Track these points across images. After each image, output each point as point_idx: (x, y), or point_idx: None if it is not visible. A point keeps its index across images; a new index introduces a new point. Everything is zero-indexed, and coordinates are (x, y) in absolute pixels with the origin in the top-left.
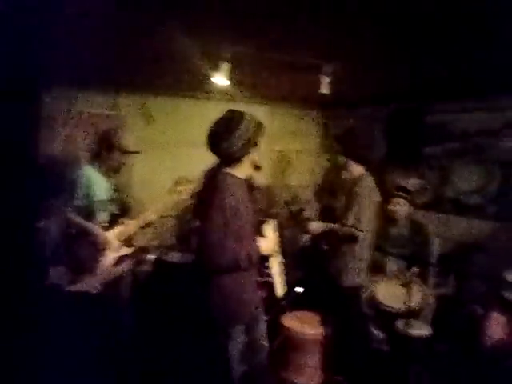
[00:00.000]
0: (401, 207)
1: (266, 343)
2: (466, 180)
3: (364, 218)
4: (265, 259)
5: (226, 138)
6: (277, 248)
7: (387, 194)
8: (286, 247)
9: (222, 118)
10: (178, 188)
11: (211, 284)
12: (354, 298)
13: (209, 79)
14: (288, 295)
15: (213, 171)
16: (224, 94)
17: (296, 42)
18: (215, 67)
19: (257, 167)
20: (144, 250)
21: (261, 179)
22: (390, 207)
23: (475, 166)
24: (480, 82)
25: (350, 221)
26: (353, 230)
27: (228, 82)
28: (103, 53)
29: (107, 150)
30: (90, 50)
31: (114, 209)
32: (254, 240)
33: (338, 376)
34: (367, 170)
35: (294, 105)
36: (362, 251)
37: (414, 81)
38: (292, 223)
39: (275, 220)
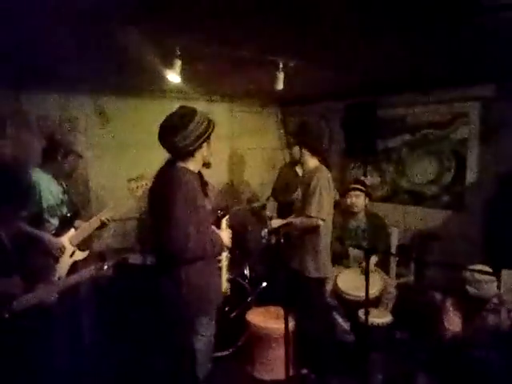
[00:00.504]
0: (358, 200)
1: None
2: (421, 171)
3: (325, 207)
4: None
5: (179, 133)
6: (229, 244)
7: (345, 188)
8: (250, 244)
9: (174, 114)
10: (132, 185)
11: (176, 277)
12: (318, 289)
13: (163, 77)
14: (253, 291)
15: (165, 167)
16: (180, 92)
17: (250, 38)
18: (168, 64)
19: (206, 164)
20: (100, 254)
21: (221, 177)
22: (348, 200)
23: (429, 157)
24: (430, 75)
25: (312, 211)
26: (314, 220)
27: (179, 79)
28: (51, 50)
29: (62, 155)
30: (38, 46)
31: (65, 212)
32: (214, 231)
33: (303, 369)
34: (321, 162)
35: (252, 102)
36: (324, 243)
37: (367, 75)
38: (255, 220)
39: (227, 216)
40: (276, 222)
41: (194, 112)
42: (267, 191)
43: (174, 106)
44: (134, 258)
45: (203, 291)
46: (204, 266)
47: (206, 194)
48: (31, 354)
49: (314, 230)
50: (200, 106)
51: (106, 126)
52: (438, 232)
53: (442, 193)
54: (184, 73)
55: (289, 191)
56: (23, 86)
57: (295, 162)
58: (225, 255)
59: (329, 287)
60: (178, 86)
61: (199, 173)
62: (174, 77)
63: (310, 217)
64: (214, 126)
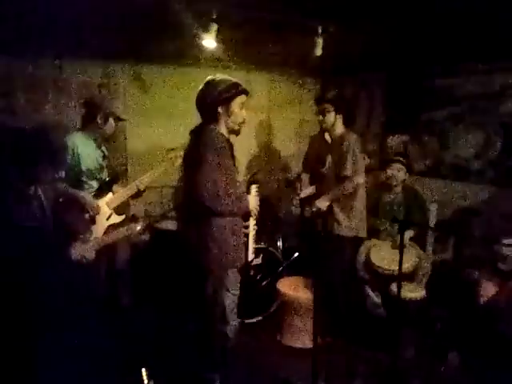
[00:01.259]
0: (398, 173)
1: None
2: (466, 145)
3: (360, 167)
4: (245, 219)
5: (205, 91)
6: (256, 211)
7: (385, 159)
8: (283, 214)
9: (206, 82)
10: (170, 155)
11: (203, 230)
12: (351, 253)
13: (199, 44)
14: (285, 261)
15: (197, 128)
16: (217, 60)
17: (288, 1)
18: (204, 29)
19: (235, 131)
20: (135, 218)
21: (255, 146)
22: (389, 172)
23: (475, 130)
24: (478, 45)
25: (348, 170)
26: (354, 180)
27: (215, 44)
28: (90, 19)
29: (102, 118)
30: (78, 17)
31: (104, 176)
32: (242, 193)
33: (331, 338)
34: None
35: (292, 72)
36: (360, 203)
37: (413, 44)
38: (288, 191)
39: (257, 185)
40: (322, 202)
41: (221, 76)
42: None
43: (211, 73)
44: (171, 225)
45: (229, 246)
46: (230, 224)
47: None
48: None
49: (355, 191)
50: (238, 75)
51: (143, 93)
52: (480, 208)
53: (487, 168)
54: (220, 39)
55: (320, 161)
56: (63, 53)
57: (325, 129)
58: (252, 224)
59: (361, 259)
60: (215, 53)
61: (228, 141)
62: (209, 42)
63: (346, 177)
64: (242, 91)
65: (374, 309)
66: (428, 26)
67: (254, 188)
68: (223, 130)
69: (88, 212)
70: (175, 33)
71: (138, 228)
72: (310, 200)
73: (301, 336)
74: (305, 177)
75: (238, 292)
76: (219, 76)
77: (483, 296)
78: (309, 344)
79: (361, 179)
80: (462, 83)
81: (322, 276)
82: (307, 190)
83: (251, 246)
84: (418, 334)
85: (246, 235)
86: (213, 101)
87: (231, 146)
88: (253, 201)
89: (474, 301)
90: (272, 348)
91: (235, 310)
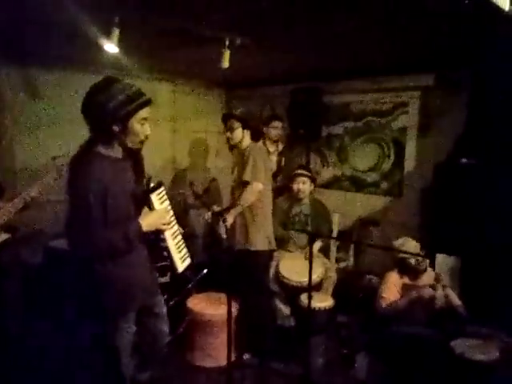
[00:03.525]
0: (303, 186)
1: (166, 328)
2: (362, 158)
3: (260, 174)
4: (159, 233)
5: (97, 100)
6: (167, 219)
7: (291, 174)
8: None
9: (96, 84)
10: (59, 163)
11: (96, 272)
12: (262, 266)
13: (101, 48)
14: (193, 277)
15: (79, 152)
16: (119, 68)
17: (197, 11)
18: (105, 33)
19: (135, 146)
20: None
21: (164, 159)
22: (295, 186)
23: (370, 145)
24: (374, 63)
25: (247, 176)
26: (252, 186)
27: (117, 50)
28: None
29: None
30: None
31: None
32: (134, 218)
33: (244, 354)
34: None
35: (197, 84)
36: (267, 213)
37: (314, 61)
38: (198, 203)
39: (163, 188)
40: (230, 217)
41: (115, 81)
42: (211, 175)
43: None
44: (60, 243)
45: (122, 287)
46: (124, 260)
47: (137, 177)
48: None
49: (258, 197)
50: (141, 83)
51: (34, 101)
52: (377, 218)
53: (381, 180)
54: (123, 46)
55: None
56: None
57: (234, 145)
58: (169, 234)
59: (271, 272)
60: (116, 60)
61: (134, 153)
62: (111, 47)
63: (247, 182)
64: (146, 102)
65: (284, 320)
66: (327, 43)
67: (154, 197)
68: (116, 147)
69: None
70: (73, 36)
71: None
72: (221, 214)
73: (214, 354)
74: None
75: (133, 328)
76: (113, 79)
77: (386, 297)
78: (222, 362)
79: (260, 186)
80: (359, 100)
81: (235, 291)
82: (232, 214)
83: (176, 257)
84: (327, 342)
85: (167, 249)
86: (105, 118)
87: (138, 164)
88: (154, 214)
89: (374, 305)
90: (183, 369)
91: (129, 349)
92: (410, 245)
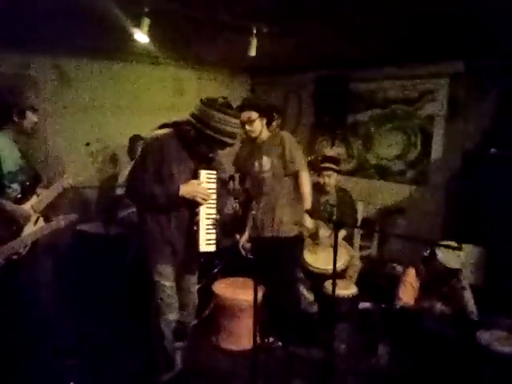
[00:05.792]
0: (329, 179)
1: (194, 296)
2: (388, 146)
3: (298, 157)
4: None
5: None
6: (202, 195)
7: (316, 166)
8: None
9: None
10: (91, 149)
11: (141, 226)
12: (290, 251)
13: (130, 37)
14: (220, 262)
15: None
16: (148, 56)
17: (226, 2)
18: (135, 23)
19: None
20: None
21: None
22: (321, 180)
23: (397, 132)
24: (401, 50)
25: (299, 164)
26: (304, 173)
27: (147, 39)
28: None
29: (18, 113)
30: None
31: (25, 178)
32: (178, 183)
33: (269, 337)
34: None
35: (222, 71)
36: (297, 204)
37: (341, 48)
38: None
39: (213, 171)
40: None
41: None
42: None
43: (140, 70)
44: (94, 227)
45: (158, 239)
46: (163, 217)
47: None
48: None
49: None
50: (168, 71)
51: (66, 89)
52: (402, 206)
53: (407, 168)
54: (151, 35)
55: (250, 163)
56: None
57: (253, 138)
58: (203, 212)
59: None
60: (144, 48)
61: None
62: (141, 36)
63: (298, 171)
64: None
65: (307, 307)
66: (354, 31)
67: (203, 174)
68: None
69: (17, 221)
70: (103, 26)
71: (63, 223)
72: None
73: (239, 338)
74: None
75: (170, 284)
76: None
77: (401, 298)
78: (247, 346)
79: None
80: (384, 88)
81: (262, 277)
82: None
83: (202, 236)
84: (350, 329)
85: (197, 224)
86: None
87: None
88: (197, 186)
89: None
90: (209, 352)
91: (172, 304)
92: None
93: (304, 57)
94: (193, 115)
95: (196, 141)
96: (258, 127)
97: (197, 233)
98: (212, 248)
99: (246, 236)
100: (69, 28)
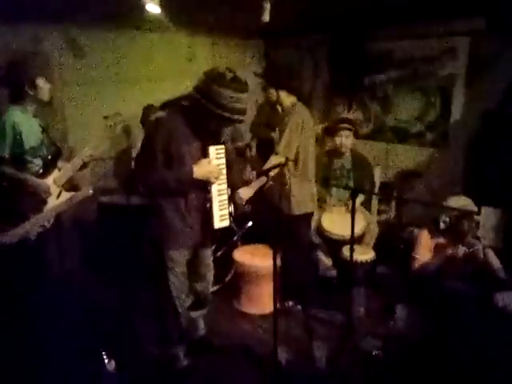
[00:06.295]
0: (346, 140)
1: (211, 276)
2: (407, 108)
3: (293, 147)
4: (207, 185)
5: None
6: (215, 174)
7: (332, 127)
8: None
9: None
10: (109, 123)
11: (155, 211)
12: (301, 225)
13: (141, 7)
14: (239, 230)
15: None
16: (158, 25)
17: None
18: None
19: None
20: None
21: None
22: (337, 140)
23: (415, 93)
24: (418, 8)
25: (280, 148)
26: (275, 156)
27: (159, 10)
28: None
29: (29, 84)
30: None
31: (46, 152)
32: (189, 164)
33: (288, 301)
34: (299, 99)
35: (235, 34)
36: (303, 181)
37: (354, 6)
38: (239, 159)
39: (222, 146)
40: (244, 192)
41: None
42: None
43: (152, 38)
44: (115, 199)
45: (172, 225)
46: (176, 202)
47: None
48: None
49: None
50: (180, 38)
51: (80, 60)
52: (421, 170)
53: (426, 130)
54: (161, 2)
55: (269, 127)
56: None
57: (273, 103)
58: (215, 189)
59: (312, 225)
60: (156, 17)
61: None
62: (152, 7)
63: (276, 153)
64: None
65: (326, 272)
66: None
67: (212, 150)
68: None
69: (40, 195)
70: None
71: (91, 191)
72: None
73: (260, 303)
74: (253, 144)
75: (181, 270)
76: None
77: (417, 258)
78: (268, 310)
79: (281, 159)
80: (402, 47)
81: (279, 246)
82: (248, 191)
83: (216, 212)
84: (368, 293)
85: (210, 201)
86: None
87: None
88: (208, 165)
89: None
90: (231, 316)
91: (183, 287)
92: (463, 203)
93: (317, 17)
94: (199, 90)
95: (203, 118)
96: (274, 94)
97: (210, 210)
98: (226, 223)
99: (248, 190)
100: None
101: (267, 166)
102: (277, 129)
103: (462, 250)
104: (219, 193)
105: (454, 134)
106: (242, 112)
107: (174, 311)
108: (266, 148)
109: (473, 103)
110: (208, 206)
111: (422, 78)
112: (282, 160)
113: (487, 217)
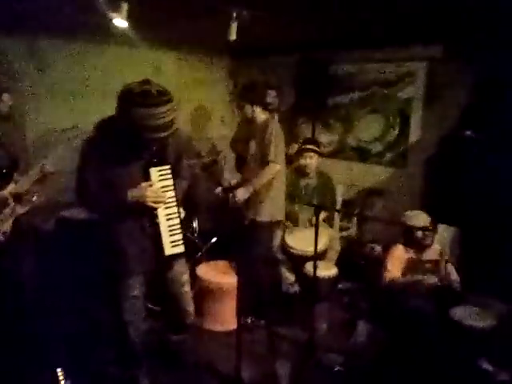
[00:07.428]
0: (310, 160)
1: (181, 284)
2: (367, 129)
3: (281, 153)
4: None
5: None
6: (158, 196)
7: (299, 148)
8: (200, 199)
9: None
10: (68, 136)
11: (104, 237)
12: (268, 233)
13: (108, 21)
14: (203, 246)
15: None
16: (126, 38)
17: None
18: (114, 8)
19: None
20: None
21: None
22: (302, 161)
23: (376, 115)
24: (379, 33)
25: (271, 156)
26: (275, 166)
27: (126, 24)
28: None
29: None
30: None
31: (2, 165)
32: (125, 188)
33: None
34: (272, 117)
35: (202, 53)
36: (280, 187)
37: (320, 30)
38: (205, 175)
39: (167, 166)
40: (241, 192)
41: None
42: (218, 145)
43: (118, 52)
44: (73, 213)
45: (119, 253)
46: (120, 227)
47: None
48: None
49: (275, 176)
50: (146, 53)
51: (41, 73)
52: (381, 188)
53: (385, 150)
54: (130, 17)
55: (246, 146)
56: None
57: (248, 119)
58: (162, 213)
59: (276, 242)
60: (123, 31)
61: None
62: (120, 21)
63: (269, 162)
64: None
65: (288, 288)
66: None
67: (154, 172)
68: None
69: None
70: (81, 8)
71: (22, 211)
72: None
73: (223, 319)
74: (232, 160)
75: (135, 293)
76: None
77: (386, 276)
78: (231, 326)
79: (278, 167)
80: (364, 70)
81: (244, 260)
82: (231, 180)
83: (166, 238)
84: (330, 309)
85: (157, 228)
86: None
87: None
88: (143, 189)
89: (379, 273)
90: (194, 334)
91: (137, 312)
92: (421, 217)
93: (283, 39)
94: (115, 110)
95: (128, 138)
96: (248, 111)
97: (159, 237)
98: (179, 249)
99: (244, 191)
100: (47, 10)
101: (265, 175)
102: (253, 141)
103: (431, 278)
104: (168, 217)
105: (412, 155)
106: (162, 128)
107: (127, 336)
108: (242, 163)
109: (430, 126)
110: (157, 231)
111: (383, 101)
112: (278, 167)
113: (443, 234)
